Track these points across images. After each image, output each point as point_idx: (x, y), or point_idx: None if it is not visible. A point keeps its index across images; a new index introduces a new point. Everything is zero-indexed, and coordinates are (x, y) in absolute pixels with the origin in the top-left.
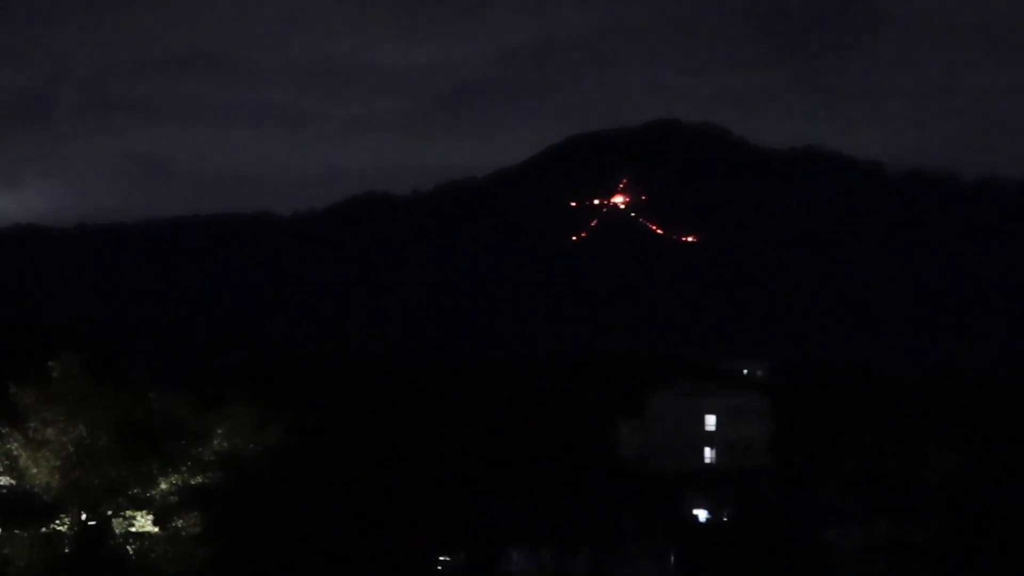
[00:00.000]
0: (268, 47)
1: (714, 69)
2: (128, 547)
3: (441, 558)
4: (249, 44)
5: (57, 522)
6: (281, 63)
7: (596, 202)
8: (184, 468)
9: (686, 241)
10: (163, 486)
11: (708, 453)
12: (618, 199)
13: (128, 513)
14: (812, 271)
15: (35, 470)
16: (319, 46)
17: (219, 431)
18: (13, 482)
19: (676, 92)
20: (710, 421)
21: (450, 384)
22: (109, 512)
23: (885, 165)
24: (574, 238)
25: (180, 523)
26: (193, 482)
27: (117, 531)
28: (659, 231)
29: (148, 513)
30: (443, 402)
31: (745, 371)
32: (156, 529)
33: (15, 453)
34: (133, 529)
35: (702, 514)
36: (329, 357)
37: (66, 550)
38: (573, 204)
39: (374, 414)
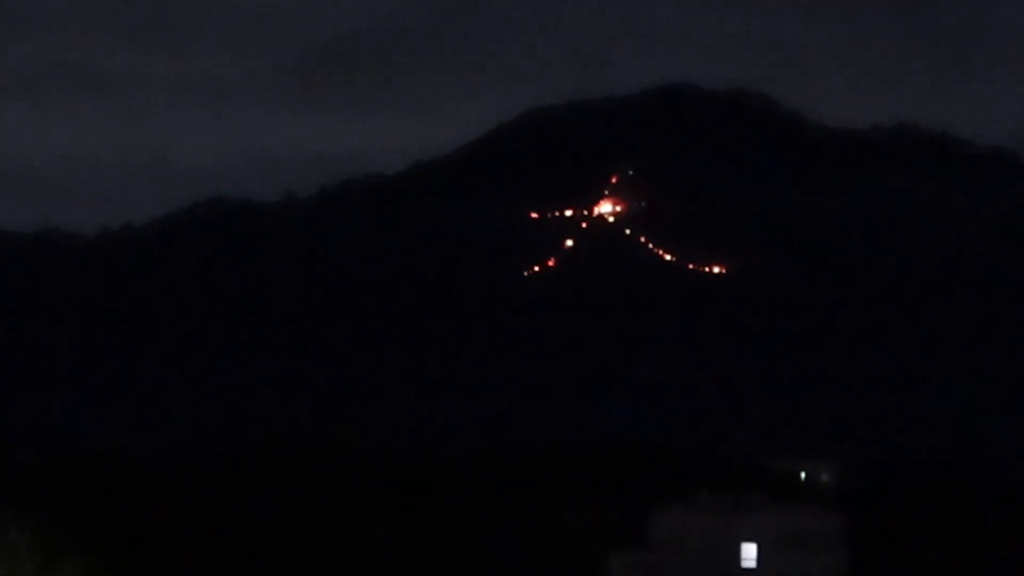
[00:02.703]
0: None
1: (751, 7)
2: None
3: None
4: None
5: None
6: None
7: (570, 212)
8: None
9: (712, 272)
10: None
11: None
12: (605, 207)
13: None
14: (904, 319)
15: None
16: None
17: None
18: None
19: (694, 42)
20: (749, 552)
21: (345, 491)
22: None
23: (1017, 152)
24: (536, 268)
25: None
26: None
27: None
28: (670, 256)
29: None
30: (337, 517)
31: (803, 474)
32: None
33: None
34: None
35: None
36: (159, 450)
37: None
38: (534, 215)
39: (231, 535)
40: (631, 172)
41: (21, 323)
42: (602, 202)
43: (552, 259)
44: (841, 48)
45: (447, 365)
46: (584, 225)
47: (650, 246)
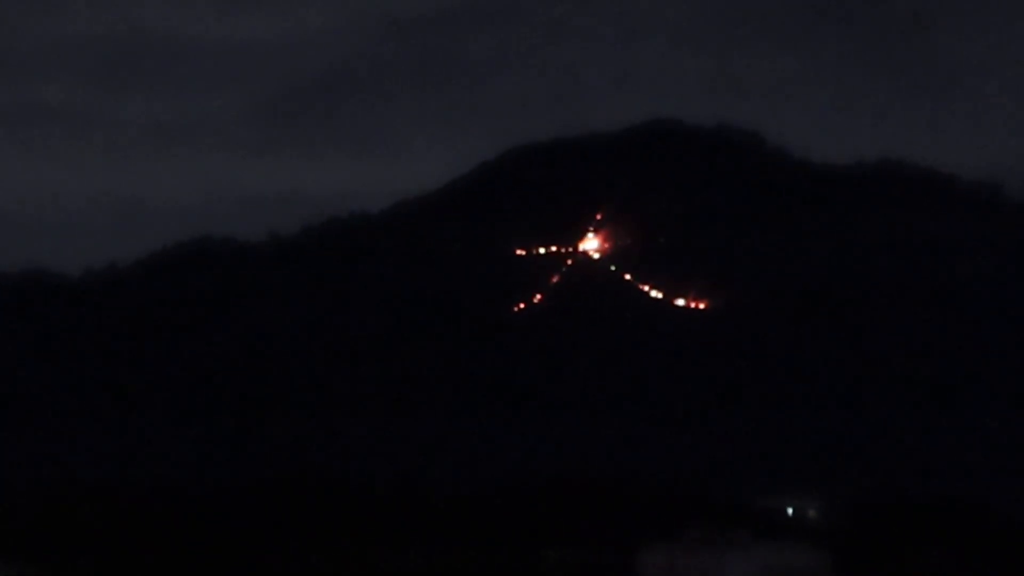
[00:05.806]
0: (22, 16)
1: (735, 44)
2: None
3: None
4: None
5: None
6: (44, 41)
7: (554, 249)
8: None
9: (696, 308)
10: None
11: None
12: (590, 244)
13: None
14: (889, 355)
15: None
16: (103, 15)
17: None
18: None
19: (677, 79)
20: None
21: (330, 527)
22: None
23: (1004, 188)
24: (521, 305)
25: None
26: None
27: None
28: (654, 293)
29: None
30: (322, 553)
31: (790, 511)
32: None
33: None
34: None
35: None
36: (147, 487)
37: None
38: (519, 252)
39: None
40: (616, 209)
41: (5, 362)
42: (587, 239)
43: (538, 296)
44: (825, 84)
45: (433, 401)
46: (570, 262)
47: (635, 282)
